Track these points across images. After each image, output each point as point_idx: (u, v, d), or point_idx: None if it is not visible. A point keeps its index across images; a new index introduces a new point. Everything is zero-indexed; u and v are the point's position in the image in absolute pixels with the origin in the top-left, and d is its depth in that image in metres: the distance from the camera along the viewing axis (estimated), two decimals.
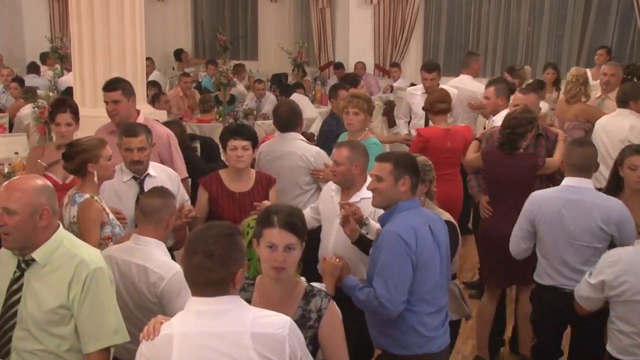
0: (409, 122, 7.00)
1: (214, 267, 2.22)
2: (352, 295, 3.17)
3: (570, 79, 6.65)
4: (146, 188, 3.96)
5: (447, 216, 3.72)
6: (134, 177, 4.09)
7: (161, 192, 3.40)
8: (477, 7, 11.77)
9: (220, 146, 6.83)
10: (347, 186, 3.94)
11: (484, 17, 11.75)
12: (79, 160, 3.68)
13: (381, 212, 3.37)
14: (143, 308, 3.15)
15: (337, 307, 2.76)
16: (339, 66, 11.67)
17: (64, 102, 4.65)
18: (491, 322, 4.73)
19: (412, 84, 11.01)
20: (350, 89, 6.09)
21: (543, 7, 11.34)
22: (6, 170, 5.89)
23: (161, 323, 2.31)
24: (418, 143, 5.43)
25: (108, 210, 3.71)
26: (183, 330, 2.24)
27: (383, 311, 3.08)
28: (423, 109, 5.94)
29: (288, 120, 4.86)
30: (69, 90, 7.60)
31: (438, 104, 5.55)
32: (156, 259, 3.19)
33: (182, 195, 4.23)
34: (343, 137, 5.18)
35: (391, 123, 8.17)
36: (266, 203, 3.85)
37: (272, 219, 2.62)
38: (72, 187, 3.79)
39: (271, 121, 8.29)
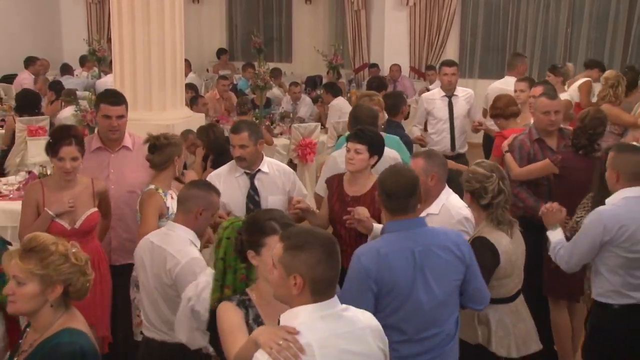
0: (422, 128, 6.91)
1: (336, 266, 2.26)
2: None
3: (602, 81, 6.68)
4: (257, 183, 4.23)
5: (493, 235, 3.42)
6: (245, 173, 4.24)
7: (199, 184, 3.52)
8: (514, 8, 11.60)
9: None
10: (423, 199, 3.65)
11: (521, 18, 11.57)
12: (168, 152, 4.02)
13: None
14: (162, 289, 3.32)
15: None
16: (373, 66, 11.62)
17: (68, 131, 3.90)
18: (570, 334, 4.55)
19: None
20: (382, 92, 6.05)
21: (583, 7, 11.14)
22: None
23: (293, 337, 2.16)
24: (501, 144, 5.18)
25: (169, 205, 3.95)
26: (318, 337, 2.17)
27: None
28: (491, 115, 5.79)
29: (368, 122, 4.65)
30: None
31: (510, 108, 5.55)
32: (176, 244, 3.30)
33: (299, 189, 4.38)
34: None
35: (426, 126, 8.10)
36: (359, 210, 3.75)
37: (274, 226, 2.59)
38: (83, 232, 3.83)
39: (307, 124, 8.34)
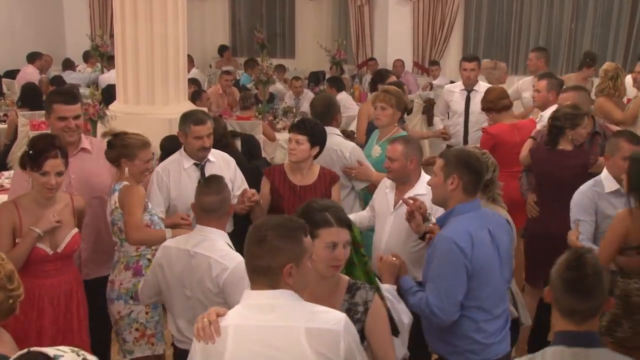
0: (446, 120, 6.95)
1: (262, 255, 2.21)
2: (405, 298, 3.10)
3: (601, 73, 6.62)
4: (207, 173, 4.14)
5: (504, 214, 3.54)
6: (195, 164, 4.21)
7: (218, 187, 3.32)
8: (518, 3, 11.56)
9: (260, 143, 6.94)
10: (402, 182, 3.87)
11: (525, 13, 11.54)
12: (115, 152, 3.80)
13: (438, 209, 3.32)
14: (206, 298, 3.15)
15: (381, 300, 2.71)
16: (372, 60, 11.64)
17: (52, 142, 3.40)
18: (530, 321, 4.62)
19: (452, 82, 10.91)
20: (379, 84, 6.06)
21: (587, 3, 11.11)
22: None
23: (216, 318, 2.25)
24: (486, 141, 5.29)
25: (147, 199, 3.88)
26: (238, 323, 2.21)
27: (435, 319, 3.02)
28: (483, 109, 5.78)
29: (322, 113, 4.77)
30: (109, 88, 7.67)
31: (501, 101, 5.52)
32: (220, 249, 3.20)
33: (240, 178, 4.38)
34: (375, 133, 5.15)
35: (430, 121, 8.12)
36: (252, 191, 3.93)
37: (327, 218, 2.58)
38: (65, 256, 3.48)
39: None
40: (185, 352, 3.14)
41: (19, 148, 7.75)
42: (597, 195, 3.87)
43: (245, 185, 4.39)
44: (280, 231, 2.23)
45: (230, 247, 3.27)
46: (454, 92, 6.75)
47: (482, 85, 6.71)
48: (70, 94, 3.91)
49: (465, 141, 6.53)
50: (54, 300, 3.45)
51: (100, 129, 6.01)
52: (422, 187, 3.81)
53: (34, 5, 12.91)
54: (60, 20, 13.79)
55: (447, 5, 11.56)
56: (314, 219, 2.58)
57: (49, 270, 3.43)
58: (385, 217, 3.89)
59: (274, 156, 7.63)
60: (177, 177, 4.18)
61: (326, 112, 4.77)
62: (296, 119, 8.31)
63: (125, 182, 3.77)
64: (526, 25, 11.58)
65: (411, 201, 3.54)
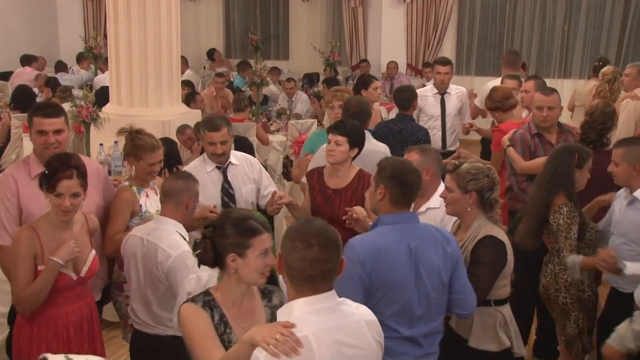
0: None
1: (329, 257, 2.21)
2: None
3: (600, 76, 6.77)
4: (229, 176, 4.25)
5: (496, 232, 3.30)
6: (217, 167, 4.26)
7: (184, 175, 3.58)
8: (511, 5, 11.59)
9: (254, 145, 6.94)
10: (420, 194, 3.62)
11: (518, 15, 11.57)
12: (126, 150, 3.93)
13: (450, 221, 3.37)
14: (154, 284, 3.36)
15: None
16: (364, 62, 11.67)
17: (67, 161, 3.17)
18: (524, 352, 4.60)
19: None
20: (362, 90, 6.01)
21: (580, 5, 11.16)
22: None
23: (290, 332, 2.15)
24: (500, 139, 5.15)
25: (142, 203, 3.89)
26: (315, 329, 2.17)
27: None
28: (489, 108, 5.74)
29: (355, 114, 4.66)
30: (103, 90, 7.66)
31: (508, 100, 5.52)
32: (168, 238, 3.34)
33: (266, 177, 4.41)
34: (316, 135, 5.21)
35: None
36: (357, 209, 3.71)
37: (256, 227, 2.52)
38: (86, 280, 3.37)
39: (304, 120, 8.34)
40: (141, 334, 3.42)
41: (12, 150, 7.75)
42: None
43: (274, 186, 4.43)
44: (331, 229, 2.27)
45: (182, 237, 3.40)
46: (427, 97, 6.68)
47: (454, 88, 6.75)
48: (50, 107, 3.64)
49: (444, 144, 6.53)
50: (77, 327, 3.33)
51: (93, 132, 6.02)
52: (436, 200, 3.66)
53: (27, 7, 12.89)
54: (53, 22, 13.76)
55: (440, 7, 11.58)
56: (246, 229, 2.51)
57: (71, 296, 3.29)
58: None
59: (268, 158, 7.65)
60: (200, 180, 4.06)
61: (360, 115, 4.67)
62: (291, 119, 8.40)
63: (126, 183, 3.92)
64: (519, 27, 11.61)
65: (352, 210, 3.62)
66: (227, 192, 4.22)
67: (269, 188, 4.35)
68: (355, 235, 3.25)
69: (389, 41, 11.86)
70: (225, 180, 4.23)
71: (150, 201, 3.91)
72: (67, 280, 3.21)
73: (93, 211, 3.63)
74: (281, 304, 2.51)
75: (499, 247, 3.24)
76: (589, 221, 3.89)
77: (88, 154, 6.14)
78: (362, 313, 2.33)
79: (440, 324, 3.03)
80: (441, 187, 3.67)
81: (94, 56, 11.18)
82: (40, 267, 3.15)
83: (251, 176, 4.31)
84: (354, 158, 4.09)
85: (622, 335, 3.36)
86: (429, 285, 2.89)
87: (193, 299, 2.53)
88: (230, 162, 4.26)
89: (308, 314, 2.19)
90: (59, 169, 3.12)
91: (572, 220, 3.71)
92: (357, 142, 4.05)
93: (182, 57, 9.52)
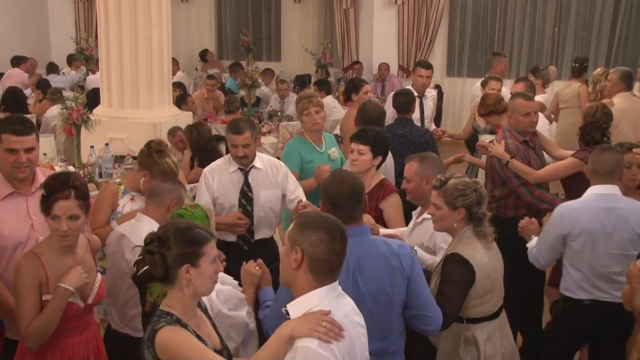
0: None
1: (346, 249, 2.37)
2: (259, 309, 2.99)
3: (590, 78, 6.87)
4: (251, 179, 4.28)
5: (465, 252, 3.15)
6: (239, 169, 4.27)
7: (171, 179, 3.62)
8: (502, 8, 11.66)
9: None
10: (421, 203, 3.64)
11: (509, 17, 11.64)
12: (147, 161, 3.87)
13: (440, 235, 3.36)
14: (122, 280, 3.35)
15: None
16: (357, 63, 11.68)
17: (65, 181, 2.93)
18: None
19: (437, 86, 10.97)
20: (352, 94, 6.04)
21: (570, 7, 11.23)
22: None
23: (331, 317, 2.29)
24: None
25: (120, 202, 3.95)
26: (344, 312, 2.35)
27: (265, 335, 2.77)
28: (484, 114, 5.73)
29: (374, 119, 4.75)
30: (95, 91, 7.65)
31: (502, 103, 5.54)
32: (141, 234, 3.16)
33: (292, 182, 4.37)
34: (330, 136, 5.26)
35: None
36: (305, 203, 3.93)
37: (204, 234, 2.46)
38: (93, 307, 3.17)
39: (295, 122, 8.35)
40: (116, 332, 3.39)
41: None
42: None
43: (301, 191, 4.36)
44: (340, 228, 2.40)
45: None
46: None
47: (429, 91, 6.79)
48: (22, 123, 3.30)
49: None
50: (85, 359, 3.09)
51: (84, 134, 6.02)
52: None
53: (18, 9, 12.85)
54: (45, 23, 13.72)
55: (431, 8, 11.62)
56: (196, 238, 2.45)
57: (78, 326, 3.05)
58: (405, 237, 3.67)
59: None
60: (222, 179, 4.26)
61: (379, 120, 4.72)
62: (282, 121, 8.41)
63: (117, 179, 4.03)
64: (509, 29, 11.68)
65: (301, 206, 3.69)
66: (246, 194, 4.25)
67: (295, 193, 4.32)
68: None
69: (380, 43, 11.89)
70: (246, 182, 4.25)
71: (133, 205, 3.90)
72: (74, 308, 2.96)
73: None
74: (205, 307, 2.62)
75: (464, 265, 3.12)
76: None
77: (79, 156, 6.14)
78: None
79: (397, 342, 2.93)
80: None
81: (85, 57, 11.17)
82: (45, 297, 2.89)
83: (275, 181, 4.31)
84: (378, 166, 4.10)
85: None
86: (371, 301, 2.77)
87: (168, 323, 2.36)
88: (253, 166, 4.27)
89: (331, 301, 2.33)
90: (55, 189, 2.87)
91: None
92: (380, 151, 4.06)
93: (174, 59, 9.52)
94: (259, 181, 4.28)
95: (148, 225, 3.33)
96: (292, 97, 9.73)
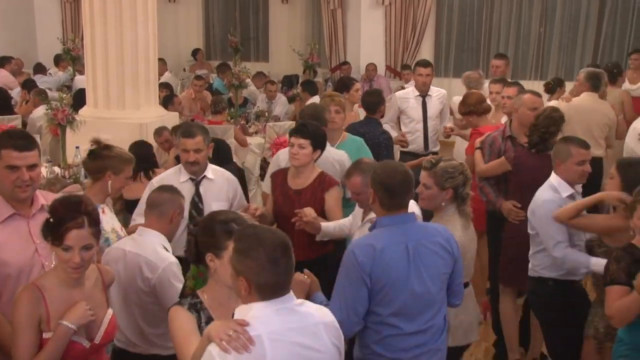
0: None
1: (292, 262, 2.28)
2: None
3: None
4: (202, 190, 4.11)
5: (450, 226, 3.39)
6: (190, 179, 4.12)
7: (170, 188, 3.47)
8: (488, 9, 11.73)
9: (232, 148, 6.95)
10: (369, 209, 3.73)
11: (495, 18, 11.71)
12: (102, 164, 3.66)
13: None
14: (138, 298, 3.22)
15: None
16: (345, 64, 11.73)
17: (77, 207, 2.66)
18: (517, 320, 4.77)
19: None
20: (344, 92, 6.05)
21: (555, 8, 11.31)
22: None
23: (243, 329, 2.20)
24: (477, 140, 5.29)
25: (102, 221, 3.57)
26: (269, 330, 2.21)
27: None
28: (463, 113, 5.82)
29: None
30: (81, 92, 7.63)
31: (482, 104, 5.62)
32: (152, 249, 3.23)
33: (240, 198, 4.29)
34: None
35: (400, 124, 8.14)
36: (306, 211, 3.85)
37: (233, 228, 2.54)
38: (102, 346, 2.88)
39: (282, 123, 8.37)
40: (124, 352, 3.26)
41: None
42: (562, 201, 3.95)
43: (245, 203, 4.32)
44: (280, 245, 2.28)
45: (166, 249, 3.30)
46: (409, 99, 6.68)
47: (435, 90, 6.77)
48: (24, 138, 3.01)
49: (426, 146, 6.56)
50: None
51: (69, 134, 6.00)
52: None
53: (4, 9, 12.77)
54: (31, 23, 13.65)
55: (418, 9, 11.66)
56: (224, 231, 2.56)
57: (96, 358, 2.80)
58: (356, 231, 3.82)
59: (245, 160, 7.65)
60: None
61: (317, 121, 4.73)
62: (269, 121, 8.41)
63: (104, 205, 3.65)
64: (496, 30, 11.76)
65: (302, 213, 3.72)
66: (197, 205, 4.09)
67: (241, 206, 4.23)
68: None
69: (367, 43, 11.92)
70: (197, 193, 4.10)
71: (106, 218, 3.63)
72: (79, 349, 2.69)
73: None
74: None
75: None
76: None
77: (64, 157, 6.13)
78: (321, 315, 2.35)
79: (444, 319, 3.12)
80: None
81: (72, 58, 11.11)
82: (46, 335, 2.64)
83: (226, 195, 4.19)
84: (316, 159, 4.17)
85: None
86: (430, 282, 2.98)
87: (180, 302, 2.57)
88: (205, 176, 4.14)
89: (266, 315, 2.23)
90: (67, 217, 2.60)
91: None
92: (320, 145, 4.13)
93: (161, 60, 9.53)
94: (210, 192, 4.12)
95: (155, 238, 3.25)
96: (279, 97, 9.75)
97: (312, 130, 4.10)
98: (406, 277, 2.92)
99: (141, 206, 4.09)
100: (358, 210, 3.93)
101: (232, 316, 2.30)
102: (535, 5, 11.41)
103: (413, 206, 3.38)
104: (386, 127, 6.74)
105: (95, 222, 2.67)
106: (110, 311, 2.86)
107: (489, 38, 11.81)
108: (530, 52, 11.56)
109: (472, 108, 5.67)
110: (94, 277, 2.84)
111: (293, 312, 2.27)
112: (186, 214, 3.98)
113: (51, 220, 2.64)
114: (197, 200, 4.11)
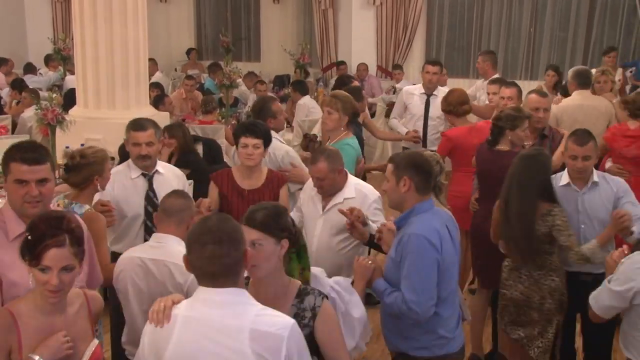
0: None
1: (228, 252, 2.25)
2: (381, 299, 3.16)
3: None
4: (155, 185, 4.04)
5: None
6: (142, 174, 4.06)
7: (182, 194, 3.43)
8: (479, 8, 11.77)
9: (222, 147, 6.95)
10: (334, 193, 3.89)
11: (486, 18, 11.76)
12: (87, 172, 3.60)
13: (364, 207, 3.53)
14: None
15: (331, 305, 2.74)
16: (341, 64, 11.71)
17: (58, 224, 2.43)
18: (484, 319, 4.78)
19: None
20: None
21: (545, 8, 11.36)
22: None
23: (171, 305, 2.34)
24: (445, 144, 5.39)
25: None
26: (187, 314, 2.29)
27: (412, 315, 3.03)
28: (443, 110, 5.84)
29: (255, 113, 4.92)
30: (72, 92, 7.62)
31: (462, 106, 5.62)
32: (177, 254, 3.09)
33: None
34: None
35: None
36: (356, 212, 3.79)
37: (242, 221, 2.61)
38: None
39: None
40: None
41: None
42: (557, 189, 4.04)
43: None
44: (228, 224, 2.33)
45: None
46: (414, 95, 6.71)
47: (442, 90, 6.76)
48: (35, 150, 2.79)
49: (424, 145, 6.55)
50: None
51: (59, 134, 5.99)
52: (351, 191, 3.88)
53: None
54: (22, 23, 13.60)
55: (409, 9, 11.69)
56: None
57: None
58: (314, 221, 3.91)
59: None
60: (123, 187, 4.01)
61: (260, 113, 4.86)
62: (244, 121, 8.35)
63: (87, 206, 3.54)
64: (486, 29, 11.81)
65: (348, 212, 3.61)
66: (152, 200, 4.01)
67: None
68: None
69: (359, 43, 11.93)
70: (151, 188, 4.03)
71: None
72: None
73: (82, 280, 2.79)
74: (312, 309, 2.61)
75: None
76: None
77: (54, 157, 6.11)
78: (258, 321, 2.24)
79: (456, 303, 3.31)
80: (351, 179, 3.96)
81: (62, 58, 11.09)
82: None
83: (177, 188, 4.09)
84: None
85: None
86: (458, 257, 3.23)
87: None
88: (156, 171, 4.09)
89: (195, 300, 2.31)
90: (46, 234, 2.37)
91: (565, 217, 3.83)
92: (268, 142, 4.21)
93: (152, 60, 9.52)
94: (163, 187, 4.00)
95: (176, 245, 3.12)
96: None
97: (263, 129, 4.18)
98: (454, 255, 3.16)
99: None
100: (309, 202, 3.98)
101: None
102: (525, 5, 11.46)
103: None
104: (394, 122, 6.89)
105: (77, 241, 2.42)
106: (95, 342, 2.59)
107: (479, 37, 11.85)
108: (521, 51, 11.62)
109: (452, 108, 5.67)
110: (78, 303, 2.57)
111: (222, 306, 2.25)
112: (141, 210, 3.99)
113: (29, 237, 2.40)
114: (151, 195, 4.03)
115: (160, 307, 2.32)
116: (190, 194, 4.50)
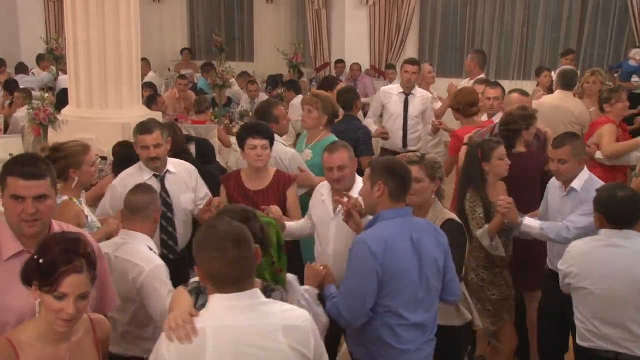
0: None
1: (248, 253, 2.26)
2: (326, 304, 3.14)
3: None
4: (167, 185, 4.10)
5: (452, 216, 3.61)
6: (154, 175, 4.10)
7: (146, 188, 3.46)
8: (472, 8, 11.81)
9: (215, 148, 6.95)
10: (348, 188, 3.79)
11: (479, 18, 11.80)
12: (61, 165, 3.61)
13: None
14: (129, 301, 3.20)
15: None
16: (340, 62, 11.76)
17: (74, 247, 2.26)
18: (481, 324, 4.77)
19: None
20: (328, 92, 6.08)
21: (538, 8, 11.40)
22: None
23: (190, 319, 2.23)
24: (456, 144, 5.37)
25: (87, 213, 3.71)
26: (216, 324, 2.22)
27: (342, 321, 3.03)
28: (452, 107, 5.86)
29: (258, 117, 4.92)
30: (65, 92, 7.59)
31: (472, 108, 5.65)
32: (139, 251, 3.23)
33: (201, 186, 4.30)
34: (304, 136, 5.28)
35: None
36: (273, 209, 3.75)
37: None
38: None
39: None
40: (120, 357, 3.19)
41: None
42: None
43: (209, 194, 4.31)
44: (242, 227, 2.32)
45: (152, 250, 3.29)
46: (392, 95, 6.73)
47: (420, 91, 6.80)
48: (34, 164, 2.56)
49: (405, 144, 6.59)
50: None
51: (52, 133, 5.97)
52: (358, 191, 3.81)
53: None
54: (14, 23, 13.55)
55: (402, 9, 11.71)
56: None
57: None
58: (327, 224, 3.85)
59: (229, 160, 7.65)
60: None
61: (263, 118, 4.82)
62: (247, 122, 8.36)
63: (65, 197, 3.61)
64: (479, 29, 11.85)
65: (345, 199, 3.54)
66: (165, 201, 4.06)
67: (205, 198, 4.23)
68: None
69: (352, 43, 11.95)
70: (163, 189, 4.08)
71: (86, 210, 3.70)
72: None
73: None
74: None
75: (461, 228, 3.56)
76: (494, 204, 4.07)
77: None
78: (286, 317, 2.30)
79: (436, 311, 3.19)
80: (358, 177, 3.83)
81: (55, 58, 11.05)
82: None
83: (190, 185, 4.22)
84: None
85: None
86: (430, 273, 3.05)
87: (186, 284, 2.62)
88: (168, 170, 4.13)
89: (216, 308, 2.25)
90: (62, 260, 2.18)
91: (474, 203, 4.05)
92: (272, 143, 4.23)
93: (145, 59, 9.51)
94: (176, 186, 4.12)
95: (143, 242, 3.22)
96: (262, 97, 9.75)
97: (268, 130, 4.21)
98: (412, 267, 2.99)
99: (104, 207, 4.11)
100: (320, 206, 3.91)
101: None
102: (518, 5, 11.50)
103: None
104: (369, 121, 6.81)
105: (93, 266, 2.26)
106: None
107: (472, 38, 11.89)
108: (514, 52, 11.66)
109: (460, 107, 5.70)
110: (83, 329, 2.39)
111: (250, 309, 2.25)
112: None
113: (41, 261, 2.19)
114: (165, 196, 4.09)
115: (179, 323, 2.20)
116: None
